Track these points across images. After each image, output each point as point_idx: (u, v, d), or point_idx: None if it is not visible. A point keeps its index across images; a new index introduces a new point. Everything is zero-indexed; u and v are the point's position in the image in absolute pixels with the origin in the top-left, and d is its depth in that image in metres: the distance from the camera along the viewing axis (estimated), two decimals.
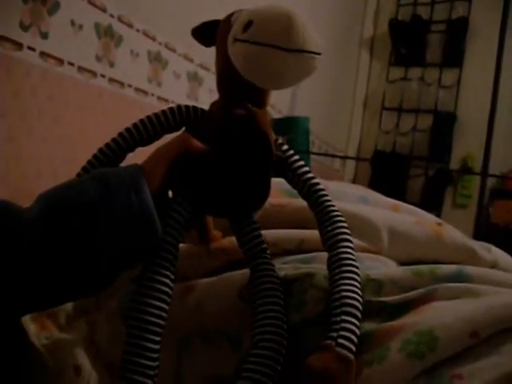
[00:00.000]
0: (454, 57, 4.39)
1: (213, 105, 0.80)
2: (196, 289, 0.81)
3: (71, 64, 1.48)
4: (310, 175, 0.79)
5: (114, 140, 0.77)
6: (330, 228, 0.74)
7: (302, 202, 0.84)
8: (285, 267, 0.81)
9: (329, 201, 0.77)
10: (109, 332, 0.86)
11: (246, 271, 0.77)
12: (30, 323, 0.85)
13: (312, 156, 3.22)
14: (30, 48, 1.32)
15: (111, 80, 1.65)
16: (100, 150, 0.77)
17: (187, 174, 0.72)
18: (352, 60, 4.61)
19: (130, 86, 1.74)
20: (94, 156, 0.76)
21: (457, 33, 4.36)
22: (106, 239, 0.59)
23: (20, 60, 1.30)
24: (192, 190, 0.73)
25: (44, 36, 1.36)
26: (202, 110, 0.80)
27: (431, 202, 4.17)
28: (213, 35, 0.80)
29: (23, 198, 1.20)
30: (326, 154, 3.84)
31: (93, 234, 0.58)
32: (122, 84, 1.70)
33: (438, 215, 3.97)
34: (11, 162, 1.29)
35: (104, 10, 1.59)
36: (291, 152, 0.81)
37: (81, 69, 1.52)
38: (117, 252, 0.60)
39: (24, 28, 1.30)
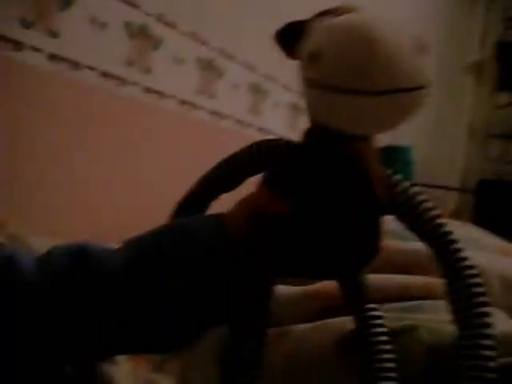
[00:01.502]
0: None
1: (305, 135, 0.62)
2: (290, 336, 0.78)
3: (173, 97, 1.51)
4: (439, 220, 0.65)
5: (195, 187, 0.70)
6: (462, 294, 0.61)
7: (405, 245, 0.79)
8: (387, 317, 0.76)
9: (464, 259, 0.62)
10: (203, 374, 0.85)
11: (345, 319, 0.73)
12: (124, 361, 0.86)
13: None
14: (133, 83, 1.36)
15: (212, 112, 1.67)
16: (184, 197, 0.70)
17: (269, 237, 0.60)
18: (457, 85, 4.46)
19: (229, 117, 1.75)
20: (179, 204, 0.71)
21: None
22: (184, 291, 0.56)
23: (122, 95, 1.33)
24: (279, 256, 0.61)
25: (147, 71, 1.40)
26: (290, 143, 0.64)
27: None
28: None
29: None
30: (428, 186, 3.71)
31: (172, 285, 0.56)
32: (222, 116, 1.72)
33: None
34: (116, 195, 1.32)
35: (206, 44, 1.62)
36: (412, 191, 0.65)
37: (182, 102, 1.54)
38: (198, 305, 0.57)
39: (129, 64, 1.34)
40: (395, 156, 2.60)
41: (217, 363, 0.82)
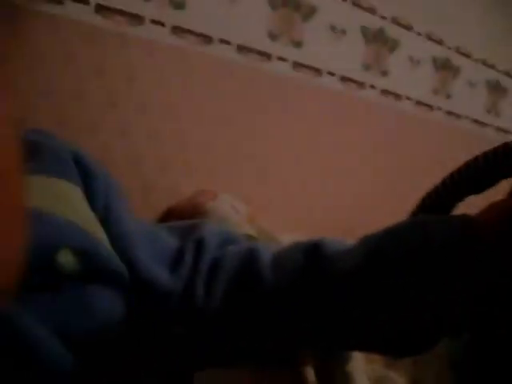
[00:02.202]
0: None
1: None
2: None
3: (410, 99, 1.52)
4: None
5: (439, 186, 0.64)
6: None
7: None
8: None
9: None
10: (434, 376, 0.84)
11: None
12: (359, 357, 0.87)
13: None
14: (371, 86, 1.40)
15: (448, 113, 1.64)
16: (427, 196, 0.65)
17: None
18: None
19: (466, 117, 1.71)
20: (420, 202, 0.65)
21: None
22: (420, 287, 0.53)
23: (361, 98, 1.38)
24: None
25: (384, 74, 1.43)
26: None
27: None
28: None
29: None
30: None
31: (409, 281, 0.53)
32: (458, 116, 1.68)
33: None
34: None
35: (441, 43, 1.59)
36: None
37: (419, 103, 1.55)
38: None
39: (366, 67, 1.38)
40: None
41: (452, 367, 0.81)
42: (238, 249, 0.59)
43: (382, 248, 0.54)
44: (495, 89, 1.79)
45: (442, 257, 0.52)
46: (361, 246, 0.56)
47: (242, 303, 0.55)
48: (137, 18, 1.06)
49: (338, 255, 0.56)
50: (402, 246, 0.53)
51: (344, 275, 0.54)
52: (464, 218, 0.55)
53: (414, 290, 0.52)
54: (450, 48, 1.61)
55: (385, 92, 1.44)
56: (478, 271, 0.52)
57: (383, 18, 1.41)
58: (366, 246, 0.56)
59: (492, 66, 1.76)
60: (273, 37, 1.25)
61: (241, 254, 0.58)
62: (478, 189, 0.61)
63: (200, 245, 0.58)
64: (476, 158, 0.60)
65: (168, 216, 1.15)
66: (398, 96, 1.47)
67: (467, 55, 1.67)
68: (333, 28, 1.31)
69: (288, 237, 1.03)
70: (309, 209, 1.35)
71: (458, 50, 1.64)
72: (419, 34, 1.51)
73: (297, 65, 1.30)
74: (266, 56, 1.24)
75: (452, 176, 0.62)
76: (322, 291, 0.54)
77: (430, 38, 1.55)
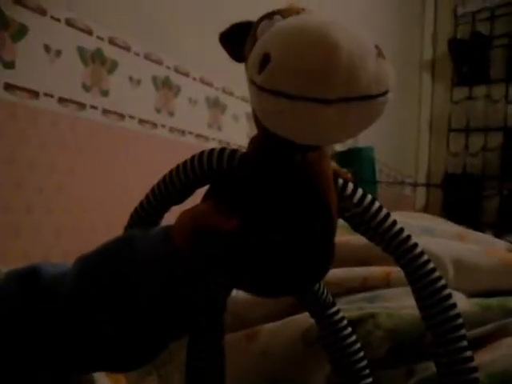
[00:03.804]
0: None
1: (251, 144, 0.59)
2: (260, 335, 0.81)
3: (133, 118, 1.54)
4: (395, 228, 0.61)
5: (146, 199, 0.65)
6: (421, 283, 0.60)
7: (361, 239, 0.82)
8: (348, 308, 0.80)
9: (413, 247, 0.61)
10: None
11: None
12: (103, 377, 0.87)
13: (381, 184, 3.17)
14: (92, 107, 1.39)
15: (172, 129, 1.70)
16: (136, 210, 0.66)
17: (217, 251, 0.56)
18: (414, 84, 4.54)
19: (190, 132, 1.79)
20: (131, 216, 0.66)
21: None
22: (129, 304, 0.54)
23: (84, 118, 1.36)
24: (230, 271, 0.58)
25: (105, 94, 1.43)
26: (235, 153, 0.60)
27: (508, 223, 4.00)
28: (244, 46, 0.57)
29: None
30: (394, 183, 3.78)
31: (118, 299, 0.54)
32: (182, 132, 1.75)
33: None
34: (71, 213, 1.34)
35: (160, 63, 1.65)
36: (366, 201, 0.61)
37: (142, 121, 1.57)
38: (154, 319, 0.55)
39: (86, 89, 1.36)
40: (357, 157, 2.65)
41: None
42: None
43: (91, 268, 0.55)
44: (215, 105, 1.91)
45: (148, 271, 0.53)
46: (74, 268, 0.56)
47: None
48: None
49: (55, 279, 0.56)
50: (109, 263, 0.55)
51: (61, 299, 0.54)
52: (164, 230, 0.56)
53: (128, 306, 0.54)
54: (169, 68, 1.68)
55: (107, 112, 1.44)
56: (181, 282, 0.54)
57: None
58: (78, 268, 0.56)
59: (210, 84, 1.88)
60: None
61: None
62: (179, 199, 0.63)
63: None
64: (177, 168, 0.61)
65: None
66: (121, 115, 1.48)
67: (186, 74, 1.76)
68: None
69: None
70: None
71: (177, 70, 1.71)
72: (137, 54, 1.55)
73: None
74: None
75: (154, 189, 0.63)
76: (42, 316, 0.54)
77: (148, 58, 1.59)
